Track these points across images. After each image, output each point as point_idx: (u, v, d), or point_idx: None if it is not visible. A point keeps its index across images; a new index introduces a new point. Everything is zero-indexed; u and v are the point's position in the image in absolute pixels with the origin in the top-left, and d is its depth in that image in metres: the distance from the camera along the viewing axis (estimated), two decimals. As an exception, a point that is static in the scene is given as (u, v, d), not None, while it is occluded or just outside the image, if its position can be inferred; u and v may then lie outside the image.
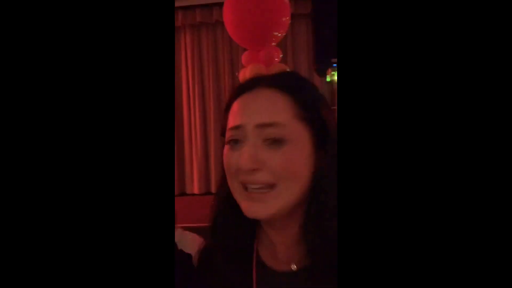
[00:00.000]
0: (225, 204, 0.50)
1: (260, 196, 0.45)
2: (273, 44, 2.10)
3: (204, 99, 3.58)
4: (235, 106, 0.48)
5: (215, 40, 3.51)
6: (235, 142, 0.46)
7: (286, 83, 0.47)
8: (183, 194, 3.50)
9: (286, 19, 2.00)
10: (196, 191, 3.48)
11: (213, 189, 3.47)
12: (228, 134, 0.48)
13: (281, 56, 2.12)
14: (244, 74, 2.24)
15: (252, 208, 0.45)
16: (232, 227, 0.50)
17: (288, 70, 1.85)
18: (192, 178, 3.54)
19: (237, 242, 0.51)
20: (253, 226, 0.51)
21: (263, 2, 1.89)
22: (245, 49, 2.27)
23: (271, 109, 0.45)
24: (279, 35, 2.03)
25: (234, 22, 2.03)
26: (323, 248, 0.45)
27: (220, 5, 2.19)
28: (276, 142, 0.44)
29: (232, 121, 0.47)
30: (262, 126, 0.44)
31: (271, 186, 0.45)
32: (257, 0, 1.90)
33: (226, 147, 0.48)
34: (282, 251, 0.50)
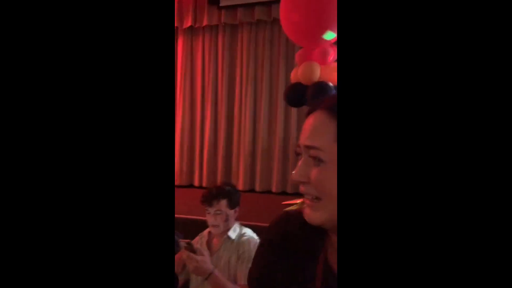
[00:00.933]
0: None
1: (313, 204, 0.52)
2: (331, 42, 2.00)
3: (256, 98, 3.58)
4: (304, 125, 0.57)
5: (271, 37, 3.49)
6: (298, 155, 0.55)
7: (336, 107, 0.51)
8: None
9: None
10: (240, 187, 3.50)
11: (257, 187, 3.47)
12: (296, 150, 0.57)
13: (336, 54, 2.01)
14: (296, 73, 2.18)
15: (306, 214, 0.53)
16: (305, 229, 0.56)
17: None
18: (238, 174, 3.57)
19: (305, 245, 0.56)
20: (322, 233, 0.56)
21: (319, 1, 1.81)
22: (300, 48, 2.21)
23: (315, 132, 0.52)
24: (336, 33, 1.93)
25: (289, 20, 1.98)
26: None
27: (278, 2, 2.16)
28: (319, 160, 0.51)
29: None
30: (308, 147, 0.52)
31: (318, 198, 0.51)
32: (314, -4, 1.82)
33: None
34: None
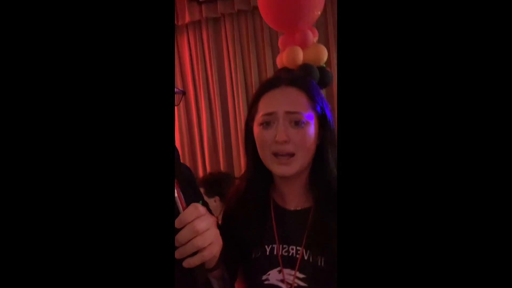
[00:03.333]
0: (254, 167, 0.78)
1: (286, 161, 0.69)
2: (311, 24, 2.07)
3: (247, 87, 3.66)
4: (265, 98, 0.71)
5: (254, 26, 3.54)
6: (267, 124, 0.70)
7: (302, 83, 0.72)
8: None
9: (320, -2, 1.95)
10: (243, 175, 3.60)
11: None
12: (260, 119, 0.71)
13: (317, 36, 2.08)
14: (281, 59, 2.26)
15: (280, 169, 0.70)
16: (258, 182, 0.78)
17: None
18: (240, 162, 3.68)
19: (260, 192, 0.78)
20: (269, 180, 0.78)
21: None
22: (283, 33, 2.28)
23: (295, 102, 0.69)
24: (315, 15, 2.00)
25: (268, 7, 2.04)
26: (322, 194, 0.72)
27: (255, -9, 2.21)
28: (298, 123, 0.69)
29: (264, 108, 0.71)
30: (289, 113, 0.68)
31: (292, 154, 0.69)
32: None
33: (258, 128, 0.72)
34: (290, 197, 0.77)
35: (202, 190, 1.53)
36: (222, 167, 3.71)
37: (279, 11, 1.99)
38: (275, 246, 0.73)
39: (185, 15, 3.59)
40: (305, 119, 0.68)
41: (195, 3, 3.53)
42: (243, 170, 3.39)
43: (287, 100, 0.69)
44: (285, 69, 2.03)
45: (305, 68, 2.00)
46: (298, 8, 1.91)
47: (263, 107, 0.71)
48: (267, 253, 0.74)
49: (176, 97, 0.63)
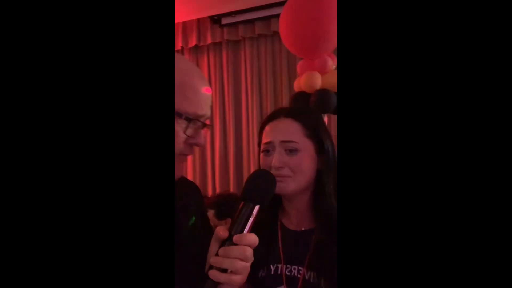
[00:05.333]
0: None
1: (283, 180, 0.77)
2: (330, 51, 2.09)
3: (262, 110, 3.68)
4: (267, 128, 0.82)
5: (273, 51, 3.60)
6: (267, 151, 0.80)
7: (298, 114, 0.81)
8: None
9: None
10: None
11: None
12: (262, 147, 0.82)
13: (336, 62, 2.10)
14: (299, 83, 2.27)
15: (278, 187, 0.73)
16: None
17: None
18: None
19: (269, 213, 0.83)
20: (278, 202, 0.85)
21: (317, 12, 1.91)
22: (301, 58, 2.30)
23: (290, 131, 0.78)
24: (335, 42, 2.02)
25: (289, 33, 2.08)
26: (323, 216, 0.77)
27: (278, 16, 2.27)
28: (292, 151, 0.77)
29: (265, 138, 0.81)
30: (284, 142, 0.77)
31: (289, 176, 0.77)
32: (310, 10, 1.92)
33: (261, 155, 0.83)
34: (296, 219, 0.83)
35: (212, 212, 1.48)
36: (232, 187, 3.67)
37: (300, 37, 2.02)
38: (279, 265, 0.78)
39: (207, 37, 3.70)
40: (299, 147, 0.76)
41: (217, 25, 3.65)
42: None
43: (283, 130, 0.78)
44: (295, 100, 2.03)
45: (323, 93, 2.00)
46: (319, 35, 1.93)
47: (265, 137, 0.81)
48: (272, 272, 0.79)
49: (203, 133, 0.63)
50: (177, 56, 0.57)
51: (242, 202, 0.53)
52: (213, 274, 0.48)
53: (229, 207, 1.53)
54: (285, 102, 3.46)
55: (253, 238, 0.52)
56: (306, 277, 0.74)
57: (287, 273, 0.77)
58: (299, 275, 0.75)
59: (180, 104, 0.53)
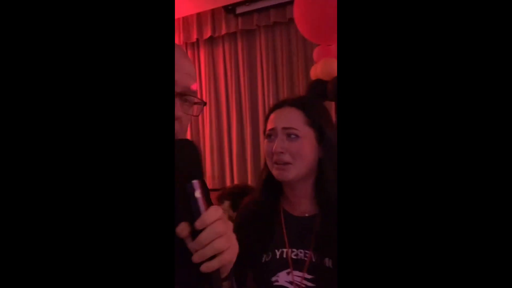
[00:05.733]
0: (265, 177, 0.89)
1: (283, 167, 0.81)
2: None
3: (279, 99, 3.65)
4: (272, 116, 0.87)
5: (289, 38, 3.55)
6: (270, 137, 0.85)
7: (301, 103, 0.85)
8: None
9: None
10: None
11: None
12: (266, 133, 0.87)
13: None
14: (316, 71, 2.23)
15: (279, 174, 0.82)
16: (269, 190, 0.89)
17: None
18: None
19: (271, 199, 0.89)
20: (280, 190, 0.89)
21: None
22: (317, 45, 2.25)
23: (292, 119, 0.83)
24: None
25: (304, 18, 2.04)
26: (325, 203, 0.81)
27: (293, 3, 2.22)
28: (293, 137, 0.82)
29: (269, 125, 0.87)
30: (285, 128, 0.82)
31: (287, 163, 0.81)
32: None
33: (265, 141, 0.87)
34: (298, 205, 0.87)
35: (228, 203, 1.49)
36: (249, 177, 3.70)
37: (316, 23, 1.98)
38: (284, 250, 0.82)
39: (221, 27, 3.69)
40: (300, 134, 0.81)
41: (232, 15, 3.62)
42: None
43: (285, 118, 0.83)
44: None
45: (340, 80, 1.95)
46: (335, 20, 1.88)
47: (269, 124, 0.86)
48: (277, 256, 0.82)
49: (197, 107, 0.60)
50: None
51: (178, 187, 0.46)
52: (207, 267, 0.46)
53: (244, 197, 1.51)
54: (301, 90, 3.42)
55: (213, 212, 0.47)
56: (313, 259, 0.78)
57: (293, 257, 0.80)
58: (305, 258, 0.79)
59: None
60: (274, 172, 0.82)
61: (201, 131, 3.98)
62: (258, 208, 0.88)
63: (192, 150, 0.48)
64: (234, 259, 0.51)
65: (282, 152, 0.80)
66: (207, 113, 3.90)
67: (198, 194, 0.46)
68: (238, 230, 0.81)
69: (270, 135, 0.84)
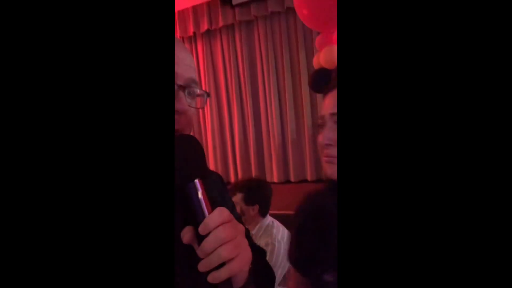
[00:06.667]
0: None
1: (334, 162, 0.65)
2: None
3: (279, 89, 3.60)
4: (324, 100, 0.69)
5: (287, 27, 3.48)
6: (320, 127, 0.68)
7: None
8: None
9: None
10: (275, 180, 3.55)
11: (292, 178, 3.50)
12: (318, 123, 0.70)
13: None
14: (318, 59, 2.17)
15: (329, 171, 0.65)
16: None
17: None
18: (271, 167, 3.61)
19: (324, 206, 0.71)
20: None
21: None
22: (319, 33, 2.19)
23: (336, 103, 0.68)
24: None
25: (304, 5, 1.98)
26: None
27: (291, -10, 2.16)
28: None
29: (320, 112, 0.74)
30: (334, 114, 0.65)
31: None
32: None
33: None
34: None
35: (240, 195, 1.43)
36: (253, 171, 3.67)
37: (316, 9, 1.92)
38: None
39: (218, 20, 3.61)
40: None
41: (228, 6, 3.55)
42: (275, 175, 3.30)
43: (333, 102, 0.64)
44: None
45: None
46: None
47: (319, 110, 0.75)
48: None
49: (200, 99, 0.56)
50: None
51: (184, 187, 0.42)
52: (213, 277, 0.41)
53: (258, 192, 1.45)
54: (303, 80, 3.36)
55: (217, 215, 0.42)
56: None
57: None
58: None
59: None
60: (325, 167, 0.65)
61: (203, 126, 3.93)
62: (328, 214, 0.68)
63: (194, 146, 0.43)
64: (246, 268, 0.45)
65: (329, 144, 0.63)
66: (208, 108, 3.85)
67: (200, 194, 0.42)
68: (298, 239, 0.70)
69: (321, 124, 0.67)
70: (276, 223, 1.47)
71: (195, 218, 0.42)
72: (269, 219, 1.48)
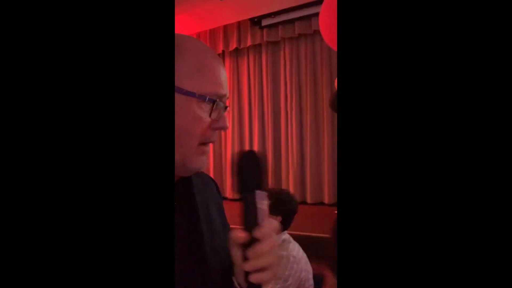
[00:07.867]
0: None
1: None
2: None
3: (302, 110, 3.63)
4: None
5: (313, 49, 3.55)
6: None
7: None
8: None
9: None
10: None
11: (308, 199, 3.45)
12: None
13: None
14: (340, 80, 2.19)
15: None
16: None
17: None
18: (288, 186, 3.59)
19: None
20: None
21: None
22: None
23: None
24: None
25: (329, 28, 2.02)
26: None
27: (318, 14, 2.22)
28: None
29: None
30: None
31: None
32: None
33: None
34: None
35: (267, 202, 1.42)
36: (270, 182, 3.66)
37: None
38: None
39: (247, 39, 3.75)
40: None
41: (257, 27, 3.68)
42: (291, 187, 3.22)
43: None
44: None
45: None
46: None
47: None
48: None
49: (206, 104, 0.56)
50: (189, 38, 0.54)
51: (241, 196, 0.49)
52: (256, 278, 0.46)
53: (285, 204, 1.45)
54: (325, 101, 3.38)
55: (272, 225, 0.48)
56: None
57: None
58: None
59: (200, 86, 0.47)
60: None
61: (223, 139, 4.01)
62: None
63: (256, 161, 0.50)
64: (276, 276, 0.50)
65: None
66: (230, 122, 3.93)
67: (262, 205, 0.49)
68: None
69: None
70: (293, 241, 1.47)
71: (248, 223, 0.47)
72: (286, 234, 1.48)
